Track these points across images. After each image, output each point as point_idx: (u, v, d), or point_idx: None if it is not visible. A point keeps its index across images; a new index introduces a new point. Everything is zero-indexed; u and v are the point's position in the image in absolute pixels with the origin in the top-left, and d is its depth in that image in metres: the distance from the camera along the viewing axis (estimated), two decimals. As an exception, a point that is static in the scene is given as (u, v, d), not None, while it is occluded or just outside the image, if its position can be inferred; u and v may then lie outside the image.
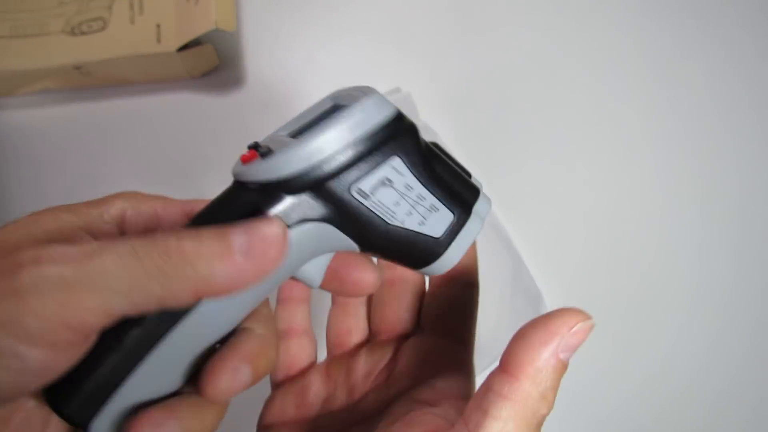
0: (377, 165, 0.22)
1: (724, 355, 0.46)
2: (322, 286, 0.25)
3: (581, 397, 0.45)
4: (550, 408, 0.22)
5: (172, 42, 0.46)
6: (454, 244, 0.24)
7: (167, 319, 0.20)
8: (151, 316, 0.20)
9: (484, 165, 0.49)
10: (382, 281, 0.27)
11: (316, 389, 0.29)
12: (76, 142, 0.49)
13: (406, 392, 0.26)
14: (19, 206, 0.48)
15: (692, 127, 0.51)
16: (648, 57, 0.52)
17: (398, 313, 0.29)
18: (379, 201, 0.22)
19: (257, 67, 0.51)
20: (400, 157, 0.23)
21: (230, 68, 0.51)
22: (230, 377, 0.20)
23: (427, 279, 0.31)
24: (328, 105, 0.24)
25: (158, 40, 0.46)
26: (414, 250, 0.24)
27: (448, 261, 0.24)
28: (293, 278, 0.23)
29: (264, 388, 0.29)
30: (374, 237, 0.23)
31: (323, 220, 0.21)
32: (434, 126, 0.49)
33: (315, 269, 0.23)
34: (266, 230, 0.20)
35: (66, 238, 0.22)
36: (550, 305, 0.44)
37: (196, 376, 0.21)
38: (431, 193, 0.24)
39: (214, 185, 0.24)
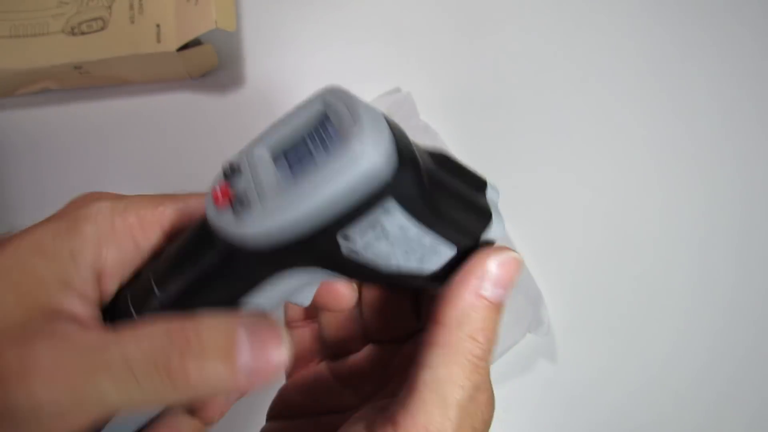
0: (368, 211, 0.19)
1: (725, 356, 0.46)
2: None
3: (581, 397, 0.45)
4: (487, 349, 0.21)
5: (172, 42, 0.46)
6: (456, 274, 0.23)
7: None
8: None
9: (484, 165, 0.49)
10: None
11: (321, 383, 0.28)
12: (76, 142, 0.49)
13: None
14: (19, 206, 0.48)
15: (692, 127, 0.51)
16: (648, 57, 0.52)
17: (393, 320, 0.28)
18: (370, 246, 0.20)
19: (257, 67, 0.51)
20: (395, 199, 0.19)
21: (230, 68, 0.51)
22: None
23: None
24: (317, 109, 0.21)
25: (158, 40, 0.46)
26: (412, 283, 0.22)
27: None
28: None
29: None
30: (369, 277, 0.21)
31: (312, 264, 0.20)
32: (434, 126, 0.49)
33: (304, 294, 0.23)
34: (274, 356, 0.19)
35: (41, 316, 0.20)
36: (550, 305, 0.44)
37: None
38: (431, 234, 0.20)
39: (214, 185, 0.24)
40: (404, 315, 0.27)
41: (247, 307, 0.21)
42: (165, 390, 0.18)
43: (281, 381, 0.30)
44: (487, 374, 0.22)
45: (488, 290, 0.21)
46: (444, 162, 0.22)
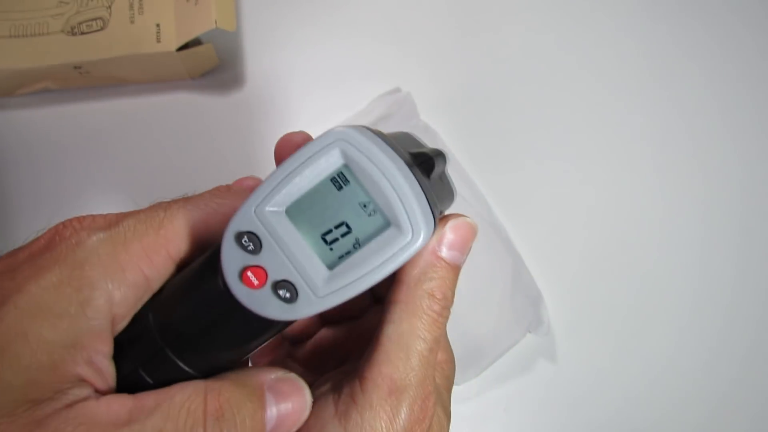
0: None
1: (725, 356, 0.46)
2: None
3: (581, 397, 0.45)
4: (444, 305, 0.23)
5: (172, 42, 0.46)
6: None
7: None
8: None
9: (484, 165, 0.49)
10: None
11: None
12: (76, 142, 0.49)
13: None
14: (19, 206, 0.48)
15: (693, 126, 0.51)
16: (648, 57, 0.52)
17: (349, 303, 0.29)
18: None
19: (257, 67, 0.51)
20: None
21: (230, 68, 0.51)
22: None
23: None
24: (335, 163, 0.20)
25: (158, 40, 0.46)
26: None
27: None
28: None
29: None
30: None
31: None
32: (434, 126, 0.49)
33: None
34: (298, 415, 0.20)
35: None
36: (550, 305, 0.44)
37: None
38: None
39: (214, 184, 0.24)
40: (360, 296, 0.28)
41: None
42: None
43: None
44: (445, 330, 0.24)
45: (444, 252, 0.22)
46: (423, 161, 0.23)
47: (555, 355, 0.45)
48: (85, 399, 0.18)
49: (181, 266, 0.22)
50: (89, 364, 0.19)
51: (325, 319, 0.29)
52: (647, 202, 0.49)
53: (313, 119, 0.48)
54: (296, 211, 0.20)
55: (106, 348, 0.19)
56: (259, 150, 0.48)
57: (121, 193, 0.48)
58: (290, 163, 0.20)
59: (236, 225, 0.20)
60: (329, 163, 0.20)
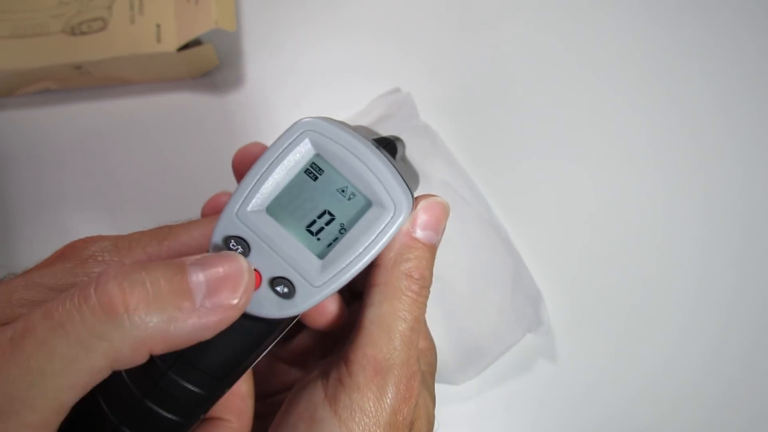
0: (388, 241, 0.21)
1: (725, 357, 0.46)
2: None
3: (581, 397, 0.45)
4: (422, 285, 0.23)
5: (172, 42, 0.46)
6: None
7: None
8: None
9: (484, 165, 0.49)
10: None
11: (270, 368, 0.29)
12: (76, 142, 0.49)
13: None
14: (19, 206, 0.48)
15: (693, 126, 0.51)
16: (649, 56, 0.52)
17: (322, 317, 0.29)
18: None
19: (257, 67, 0.51)
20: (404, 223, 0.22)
21: (230, 68, 0.51)
22: None
23: None
24: (307, 153, 0.20)
25: (158, 40, 0.46)
26: None
27: None
28: None
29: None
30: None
31: None
32: (434, 126, 0.49)
33: None
34: (236, 278, 0.19)
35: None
36: (550, 305, 0.44)
37: None
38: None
39: (214, 185, 0.24)
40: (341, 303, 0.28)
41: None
42: (104, 329, 0.17)
43: None
44: (425, 311, 0.24)
45: (418, 232, 0.23)
46: (386, 144, 0.24)
47: (555, 355, 0.45)
48: None
49: None
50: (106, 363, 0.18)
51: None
52: (648, 202, 0.49)
53: (313, 119, 0.48)
54: (277, 208, 0.20)
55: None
56: (259, 150, 0.48)
57: (122, 193, 0.48)
58: (263, 162, 0.20)
59: (221, 231, 0.20)
60: (301, 154, 0.20)
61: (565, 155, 0.50)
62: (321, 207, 0.20)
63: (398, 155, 0.24)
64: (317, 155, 0.20)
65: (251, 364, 0.22)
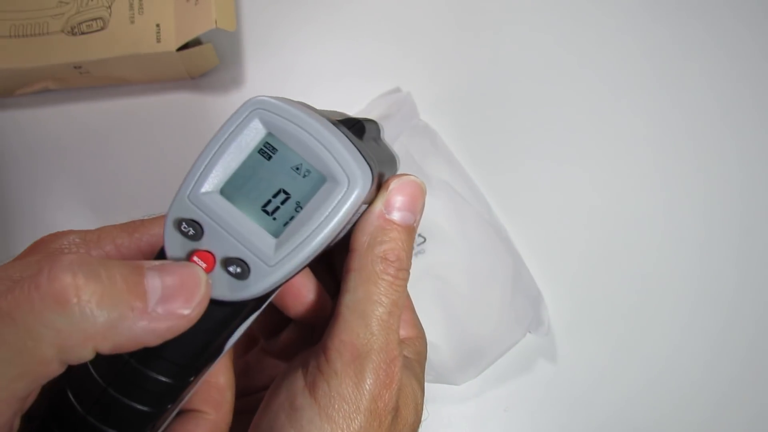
0: (349, 220, 0.20)
1: (725, 357, 0.46)
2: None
3: (581, 397, 0.45)
4: (399, 267, 0.22)
5: (171, 42, 0.46)
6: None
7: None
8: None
9: (484, 164, 0.49)
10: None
11: (259, 364, 0.29)
12: (76, 142, 0.49)
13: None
14: (19, 206, 0.48)
15: (693, 126, 0.51)
16: (649, 56, 0.52)
17: (307, 317, 0.28)
18: (338, 239, 0.21)
19: (257, 67, 0.51)
20: (366, 203, 0.21)
21: (230, 68, 0.51)
22: None
23: None
24: (259, 133, 0.20)
25: (158, 40, 0.46)
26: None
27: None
28: None
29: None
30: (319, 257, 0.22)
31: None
32: (434, 126, 0.49)
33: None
34: (192, 288, 0.18)
35: None
36: (550, 305, 0.44)
37: None
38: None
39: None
40: (323, 305, 0.27)
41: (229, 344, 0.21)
42: (55, 318, 0.16)
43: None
44: (404, 294, 0.23)
45: (392, 213, 0.22)
46: (353, 124, 0.23)
47: (555, 355, 0.45)
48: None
49: None
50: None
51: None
52: (648, 202, 0.49)
53: (313, 119, 0.48)
54: (231, 190, 0.20)
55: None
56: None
57: (122, 192, 0.48)
58: (213, 143, 0.20)
59: (173, 214, 0.20)
60: (253, 135, 0.20)
61: (566, 155, 0.50)
62: (276, 186, 0.20)
63: (367, 136, 0.23)
64: (269, 134, 0.20)
65: (219, 352, 0.21)
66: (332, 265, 0.28)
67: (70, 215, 0.47)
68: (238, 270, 0.19)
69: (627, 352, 0.46)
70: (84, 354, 0.17)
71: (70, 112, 0.50)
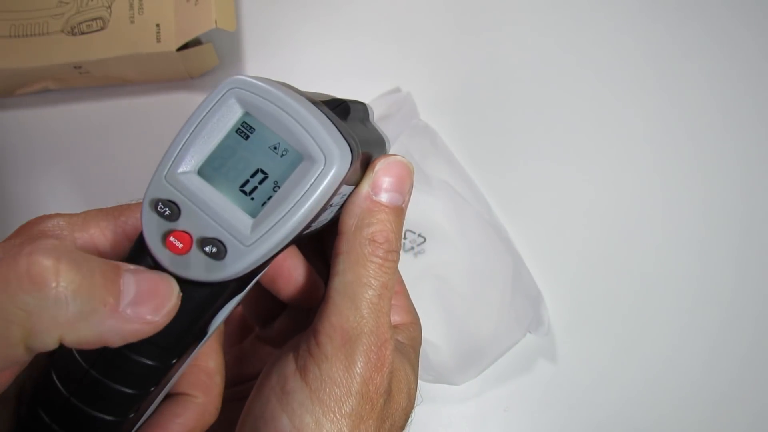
0: (328, 201, 0.20)
1: (725, 357, 0.46)
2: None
3: (581, 397, 0.45)
4: (388, 249, 0.22)
5: (171, 42, 0.46)
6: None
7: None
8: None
9: (484, 165, 0.49)
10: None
11: (254, 351, 0.29)
12: (76, 142, 0.49)
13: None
14: (19, 206, 0.48)
15: (693, 126, 0.51)
16: (648, 56, 0.52)
17: (298, 298, 0.28)
18: (318, 222, 0.21)
19: (257, 67, 0.51)
20: (346, 183, 0.20)
21: (230, 68, 0.51)
22: None
23: None
24: (236, 112, 0.20)
25: (158, 40, 0.46)
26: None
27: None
28: None
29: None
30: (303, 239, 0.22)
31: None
32: (434, 125, 0.49)
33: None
34: (163, 297, 0.19)
35: None
36: (550, 305, 0.44)
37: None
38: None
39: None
40: (315, 288, 0.27)
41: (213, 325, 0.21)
42: (29, 299, 0.16)
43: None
44: (395, 276, 0.22)
45: (380, 195, 0.22)
46: (337, 105, 0.23)
47: (555, 355, 0.45)
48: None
49: None
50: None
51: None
52: (647, 202, 0.49)
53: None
54: (209, 170, 0.20)
55: None
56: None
57: (122, 192, 0.48)
58: (190, 123, 0.20)
59: (150, 195, 0.20)
60: (229, 114, 0.20)
61: (565, 155, 0.50)
62: (254, 166, 0.19)
63: (353, 116, 0.23)
64: (246, 113, 0.20)
65: (203, 334, 0.21)
66: (323, 249, 0.28)
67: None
68: (214, 250, 0.19)
69: (627, 352, 0.46)
70: (49, 342, 0.17)
71: (70, 112, 0.50)
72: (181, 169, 0.20)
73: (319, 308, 0.22)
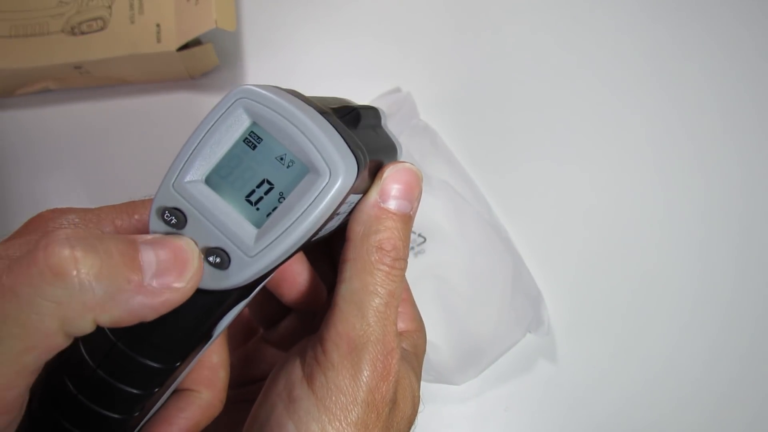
0: (335, 211, 0.20)
1: (725, 357, 0.46)
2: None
3: (581, 397, 0.45)
4: (395, 257, 0.22)
5: (172, 42, 0.46)
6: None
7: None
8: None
9: (484, 164, 0.49)
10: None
11: (260, 353, 0.29)
12: (76, 142, 0.49)
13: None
14: (19, 206, 0.48)
15: (693, 126, 0.51)
16: (648, 56, 0.52)
17: (302, 302, 0.28)
18: (324, 230, 0.21)
19: (257, 67, 0.51)
20: (353, 192, 0.20)
21: (230, 68, 0.51)
22: None
23: None
24: (244, 122, 0.20)
25: (158, 40, 0.46)
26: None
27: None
28: None
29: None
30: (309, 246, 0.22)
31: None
32: (434, 125, 0.49)
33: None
34: (183, 263, 0.19)
35: None
36: (550, 305, 0.44)
37: None
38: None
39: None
40: (319, 292, 0.27)
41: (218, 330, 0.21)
42: (55, 291, 0.17)
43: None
44: (401, 284, 0.22)
45: (387, 201, 0.22)
46: (347, 113, 0.23)
47: (555, 355, 0.45)
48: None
49: None
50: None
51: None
52: (647, 202, 0.49)
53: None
54: (216, 178, 0.20)
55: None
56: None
57: (122, 192, 0.48)
58: (198, 132, 0.20)
59: (157, 203, 0.20)
60: (237, 124, 0.20)
61: (565, 155, 0.50)
62: (260, 176, 0.20)
63: (364, 123, 0.23)
64: (254, 123, 0.20)
65: (207, 339, 0.21)
66: (331, 252, 0.28)
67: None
68: (218, 260, 0.19)
69: (627, 352, 0.46)
70: (85, 326, 0.17)
71: (70, 112, 0.50)
72: (188, 178, 0.20)
73: (325, 315, 0.22)
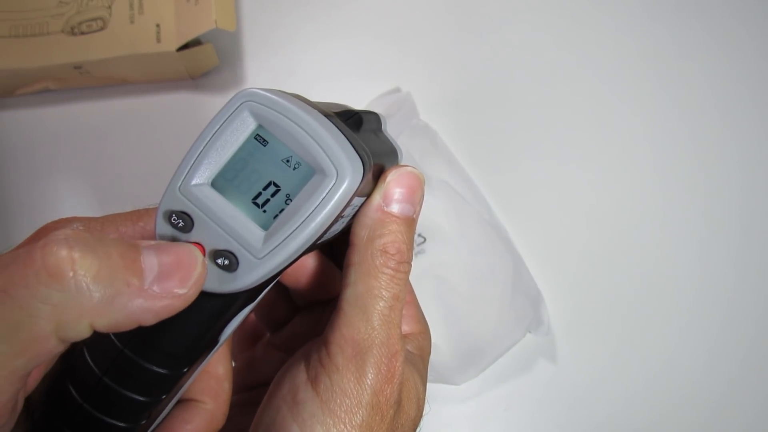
0: (340, 213, 0.20)
1: (725, 356, 0.46)
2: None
3: (581, 397, 0.45)
4: (400, 260, 0.22)
5: (172, 42, 0.46)
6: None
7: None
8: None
9: (484, 164, 0.49)
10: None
11: (266, 357, 0.29)
12: (76, 142, 0.49)
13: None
14: (19, 206, 0.48)
15: (693, 126, 0.51)
16: (648, 56, 0.52)
17: (320, 287, 0.28)
18: (330, 233, 0.21)
19: (257, 67, 0.51)
20: (358, 195, 0.20)
21: (230, 68, 0.51)
22: None
23: None
24: (249, 125, 0.20)
25: (158, 40, 0.46)
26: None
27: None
28: None
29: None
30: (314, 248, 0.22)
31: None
32: (434, 126, 0.49)
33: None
34: (188, 267, 0.18)
35: None
36: (550, 305, 0.44)
37: None
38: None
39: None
40: (329, 279, 0.28)
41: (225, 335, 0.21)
42: (52, 293, 0.16)
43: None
44: (406, 287, 0.23)
45: (390, 205, 0.22)
46: (349, 117, 0.23)
47: (555, 355, 0.45)
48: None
49: None
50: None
51: (300, 304, 0.29)
52: (647, 202, 0.49)
53: (313, 119, 0.48)
54: (222, 181, 0.20)
55: None
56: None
57: (122, 192, 0.48)
58: (205, 135, 0.20)
59: (163, 206, 0.20)
60: (243, 127, 0.20)
61: (565, 155, 0.50)
62: (266, 178, 0.20)
63: (365, 128, 0.23)
64: (260, 126, 0.20)
65: (214, 343, 0.21)
66: (334, 257, 0.28)
67: (70, 215, 0.47)
68: (227, 262, 0.19)
69: (627, 352, 0.46)
70: (81, 330, 0.17)
71: (70, 112, 0.50)
72: (194, 181, 0.20)
73: (330, 318, 0.22)
